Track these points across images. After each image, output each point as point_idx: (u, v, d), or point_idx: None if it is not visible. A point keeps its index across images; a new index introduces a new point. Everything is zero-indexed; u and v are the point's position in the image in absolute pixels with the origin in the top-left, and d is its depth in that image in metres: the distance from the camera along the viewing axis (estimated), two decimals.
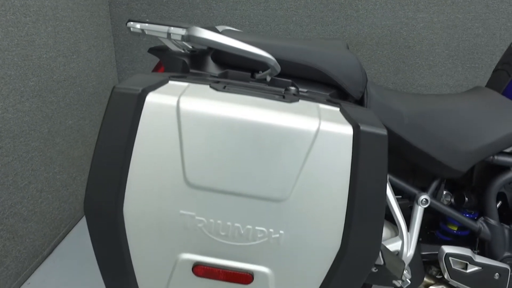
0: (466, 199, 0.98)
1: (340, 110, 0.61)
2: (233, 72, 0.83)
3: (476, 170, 0.99)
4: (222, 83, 0.67)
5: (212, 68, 0.86)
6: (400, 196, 1.07)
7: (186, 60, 0.85)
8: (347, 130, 0.54)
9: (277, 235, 0.57)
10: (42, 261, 1.59)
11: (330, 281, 0.60)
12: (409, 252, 0.88)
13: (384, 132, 0.53)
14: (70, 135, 1.76)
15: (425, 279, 1.01)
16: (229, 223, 0.57)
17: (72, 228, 1.84)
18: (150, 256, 0.61)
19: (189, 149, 0.54)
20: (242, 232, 0.57)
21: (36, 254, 1.55)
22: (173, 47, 0.87)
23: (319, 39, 0.93)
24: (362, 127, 0.53)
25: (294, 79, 0.84)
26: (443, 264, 0.94)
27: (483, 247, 0.99)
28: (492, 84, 1.03)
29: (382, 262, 0.80)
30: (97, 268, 1.54)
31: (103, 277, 0.64)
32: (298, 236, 0.57)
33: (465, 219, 0.95)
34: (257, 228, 0.57)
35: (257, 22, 2.26)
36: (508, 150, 0.92)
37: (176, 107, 0.53)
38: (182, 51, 0.87)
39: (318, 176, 0.55)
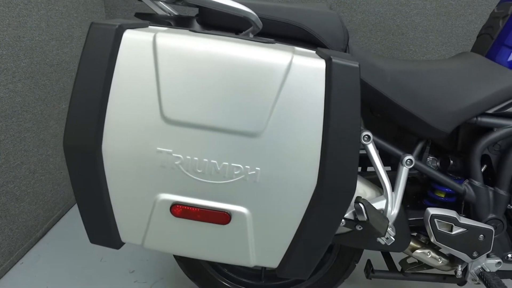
0: (451, 161, 0.99)
1: (316, 52, 0.63)
2: (216, 32, 0.85)
3: (461, 134, 1.00)
4: (207, 31, 0.68)
5: (198, 29, 0.88)
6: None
7: (172, 23, 0.87)
8: (320, 63, 0.55)
9: (254, 172, 0.59)
10: (36, 243, 1.60)
11: (308, 219, 0.62)
12: (393, 211, 0.89)
13: (355, 64, 0.55)
14: (64, 119, 1.78)
15: (411, 243, 1.01)
16: (205, 160, 0.58)
17: (67, 211, 1.85)
18: (129, 197, 0.62)
19: (166, 84, 0.56)
20: (219, 169, 0.59)
21: (29, 234, 1.56)
22: (160, 12, 0.88)
23: (302, 3, 0.95)
24: (334, 60, 0.55)
25: (276, 38, 0.85)
26: (429, 227, 0.94)
27: (469, 211, 1.00)
28: (477, 48, 1.04)
29: (365, 218, 0.81)
30: (90, 251, 1.54)
31: (85, 227, 0.66)
32: (275, 173, 0.59)
33: (449, 180, 0.96)
34: (233, 164, 0.58)
35: None
36: (491, 111, 0.93)
37: (152, 42, 0.55)
38: (169, 15, 0.89)
39: (292, 110, 0.56)
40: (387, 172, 0.96)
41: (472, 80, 0.91)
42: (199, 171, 0.59)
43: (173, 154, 0.59)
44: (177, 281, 1.43)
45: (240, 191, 0.60)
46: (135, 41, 0.55)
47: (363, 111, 0.95)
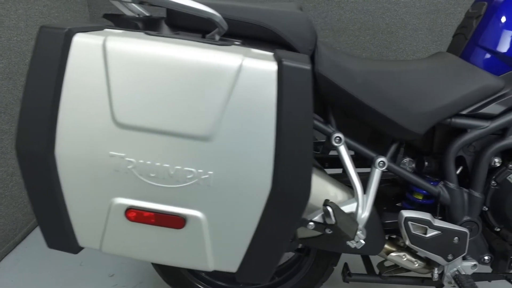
0: (426, 163, 1.00)
1: (273, 54, 0.63)
2: (184, 34, 0.85)
3: (437, 135, 1.01)
4: (162, 34, 0.69)
5: (166, 31, 0.88)
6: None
7: (139, 24, 0.87)
8: (271, 66, 0.55)
9: (207, 176, 0.59)
10: (14, 247, 1.61)
11: (265, 223, 0.62)
12: (363, 214, 0.89)
13: (307, 66, 0.55)
14: None
15: (386, 246, 1.02)
16: (158, 164, 0.59)
17: None
18: (85, 202, 0.63)
19: (116, 88, 0.56)
20: (172, 173, 0.59)
21: (7, 239, 1.56)
22: (128, 13, 0.89)
23: (272, 3, 0.95)
24: (285, 62, 0.55)
25: (244, 39, 0.86)
26: (403, 229, 0.95)
27: (445, 213, 1.00)
28: (452, 48, 1.05)
29: (333, 221, 0.82)
30: (70, 255, 1.54)
31: (42, 232, 0.66)
32: (228, 177, 0.59)
33: (423, 182, 0.97)
34: (186, 168, 0.59)
35: None
36: (465, 112, 0.93)
37: (102, 45, 0.55)
38: (137, 16, 0.89)
39: (244, 114, 0.57)
40: (364, 174, 0.97)
41: (445, 81, 0.91)
42: (152, 175, 0.60)
43: (126, 159, 0.59)
44: (157, 284, 1.43)
45: (194, 195, 0.60)
46: (85, 45, 0.56)
47: (335, 113, 0.95)
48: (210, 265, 0.66)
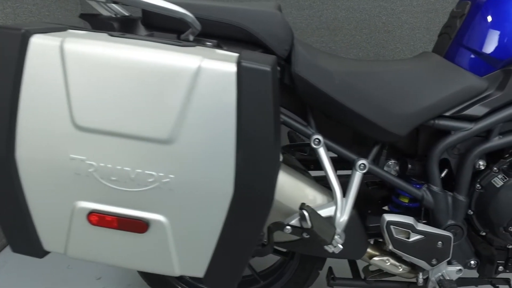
0: (409, 166, 0.99)
1: (239, 55, 0.62)
2: (159, 34, 0.84)
3: (421, 137, 1.00)
4: (128, 34, 0.68)
5: (142, 31, 0.88)
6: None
7: (116, 25, 0.87)
8: (231, 67, 0.55)
9: (168, 180, 0.59)
10: (2, 249, 1.61)
11: (229, 228, 0.61)
12: (342, 218, 0.88)
13: (267, 68, 0.54)
14: None
15: (370, 250, 1.01)
16: (119, 167, 0.59)
17: None
18: (48, 205, 0.63)
19: (75, 90, 0.56)
20: (133, 176, 0.59)
21: None
22: (105, 12, 0.89)
23: (251, 2, 0.95)
24: (244, 63, 0.54)
25: (220, 39, 0.85)
26: (385, 234, 0.94)
27: (429, 217, 0.99)
28: (437, 48, 1.03)
29: (309, 226, 0.81)
30: (57, 258, 1.54)
31: (5, 236, 0.66)
32: (190, 181, 0.59)
33: (406, 185, 0.95)
34: (147, 172, 0.58)
35: None
36: (448, 113, 0.91)
37: (59, 47, 0.55)
38: (114, 16, 0.89)
39: (205, 117, 0.56)
40: (348, 177, 0.96)
41: (428, 82, 0.90)
42: (113, 178, 0.59)
43: (87, 162, 0.59)
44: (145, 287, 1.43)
45: (156, 199, 0.60)
46: (42, 47, 0.56)
47: (316, 114, 0.95)
48: (176, 270, 0.65)
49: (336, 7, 2.24)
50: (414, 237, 0.94)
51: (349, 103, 0.87)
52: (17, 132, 0.58)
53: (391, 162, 1.03)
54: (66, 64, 0.55)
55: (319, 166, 1.18)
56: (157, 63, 0.55)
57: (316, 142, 0.91)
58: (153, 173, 0.58)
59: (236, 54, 0.63)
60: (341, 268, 1.19)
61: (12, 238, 0.65)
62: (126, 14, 0.91)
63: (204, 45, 0.75)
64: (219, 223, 0.61)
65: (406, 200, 1.05)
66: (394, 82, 0.88)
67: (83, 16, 0.91)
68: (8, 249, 1.61)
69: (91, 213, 0.61)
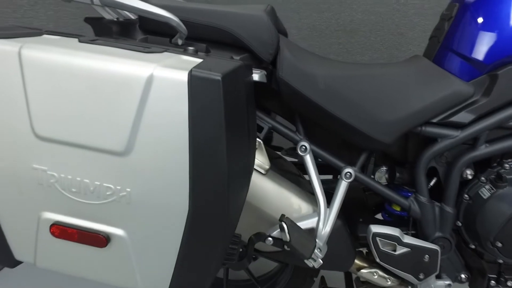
0: (397, 174, 0.90)
1: (200, 62, 0.56)
2: (153, 38, 0.81)
3: (410, 144, 0.90)
4: (99, 39, 0.64)
5: (138, 35, 0.85)
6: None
7: (114, 28, 0.84)
8: (182, 76, 0.49)
9: (125, 193, 0.54)
10: None
11: (188, 244, 0.57)
12: (324, 229, 0.81)
13: (217, 77, 0.48)
14: None
15: (358, 262, 0.93)
16: (78, 179, 0.55)
17: None
18: (15, 215, 0.60)
19: (33, 98, 0.53)
20: (92, 189, 0.55)
21: None
22: (107, 16, 0.86)
23: (242, 5, 0.88)
24: (193, 72, 0.49)
25: (210, 43, 0.80)
26: (371, 246, 0.86)
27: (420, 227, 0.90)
28: (427, 52, 0.93)
29: (288, 239, 0.75)
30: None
31: None
32: (146, 195, 0.54)
33: (393, 194, 0.87)
34: (105, 184, 0.55)
35: None
36: (435, 120, 0.82)
37: (18, 53, 0.52)
38: (116, 19, 0.86)
39: (158, 128, 0.51)
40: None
41: (414, 87, 0.80)
42: (73, 190, 0.56)
43: (48, 172, 0.56)
44: None
45: (115, 213, 0.56)
46: (1, 52, 0.52)
47: (304, 119, 0.88)
48: (139, 285, 0.61)
49: (353, 10, 2.13)
50: (401, 250, 0.85)
51: (333, 108, 0.79)
52: None
53: (383, 169, 0.94)
54: (24, 71, 0.52)
55: (319, 170, 1.10)
56: (110, 71, 0.50)
57: (302, 149, 0.84)
58: (111, 186, 0.54)
59: (199, 60, 0.57)
60: (335, 277, 1.12)
61: None
62: (133, 17, 0.88)
63: (186, 50, 0.69)
64: (177, 238, 0.56)
65: (398, 208, 0.96)
66: (379, 88, 0.80)
67: (87, 19, 0.89)
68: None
69: (53, 225, 0.58)
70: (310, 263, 0.79)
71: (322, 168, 0.93)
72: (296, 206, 0.85)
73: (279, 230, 0.78)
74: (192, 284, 0.60)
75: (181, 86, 0.49)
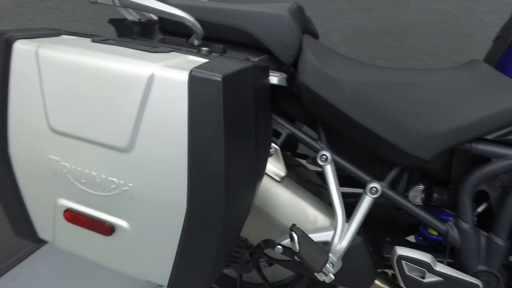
0: (435, 194, 0.84)
1: (207, 62, 0.58)
2: (170, 38, 0.85)
3: (454, 161, 0.84)
4: (112, 39, 0.69)
5: (158, 35, 0.89)
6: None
7: (135, 29, 0.90)
8: (182, 76, 0.51)
9: (127, 188, 0.58)
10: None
11: (185, 243, 0.59)
12: (340, 244, 0.79)
13: (217, 77, 0.49)
14: None
15: (378, 283, 0.89)
16: (87, 171, 0.60)
17: None
18: (36, 198, 0.67)
19: (48, 94, 0.59)
20: (98, 181, 0.60)
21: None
22: (130, 17, 0.92)
23: (265, 3, 0.88)
24: (193, 72, 0.51)
25: (228, 44, 0.81)
26: (396, 269, 0.82)
27: (455, 257, 0.84)
28: (489, 55, 0.85)
29: (297, 249, 0.74)
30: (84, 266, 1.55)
31: (9, 222, 0.72)
32: (146, 192, 0.58)
33: (427, 216, 0.81)
34: (109, 178, 0.59)
35: None
36: (490, 136, 0.74)
37: (35, 52, 0.58)
38: (138, 20, 0.92)
39: (159, 127, 0.54)
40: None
41: (466, 96, 0.73)
42: (83, 181, 0.61)
43: (61, 163, 0.61)
44: None
45: (119, 205, 0.60)
46: (22, 52, 0.59)
47: (325, 128, 0.86)
48: (142, 275, 0.65)
49: (407, 9, 2.03)
50: (431, 278, 0.80)
51: (360, 117, 0.75)
52: (8, 131, 0.63)
53: (419, 187, 0.89)
54: (41, 68, 0.58)
55: (345, 181, 1.08)
56: (114, 70, 0.54)
57: (323, 159, 0.83)
58: (115, 180, 0.59)
59: (205, 60, 0.59)
60: None
61: (13, 223, 0.72)
62: (154, 18, 0.93)
63: (200, 50, 0.72)
64: (176, 236, 0.59)
65: (435, 233, 0.91)
66: (419, 95, 0.74)
67: (111, 21, 0.96)
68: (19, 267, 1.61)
69: (66, 211, 0.64)
70: (320, 276, 0.78)
71: (351, 180, 0.90)
72: (311, 217, 0.83)
73: (289, 239, 0.78)
74: (189, 281, 0.62)
75: (181, 86, 0.51)
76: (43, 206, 0.67)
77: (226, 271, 1.21)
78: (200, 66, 0.52)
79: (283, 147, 0.86)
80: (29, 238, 0.72)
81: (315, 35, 1.00)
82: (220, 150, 0.52)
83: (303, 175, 0.99)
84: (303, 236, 0.75)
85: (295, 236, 0.74)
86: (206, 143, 0.52)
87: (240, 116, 0.56)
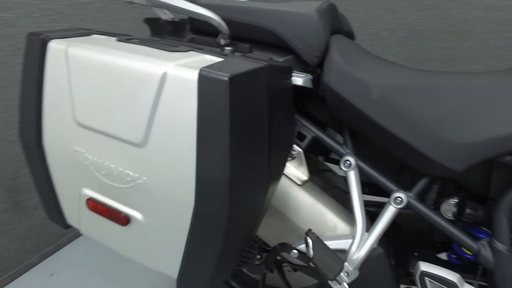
0: (468, 210, 0.79)
1: (219, 61, 0.60)
2: (200, 37, 0.89)
3: (494, 174, 0.78)
4: (137, 38, 0.74)
5: (188, 35, 0.94)
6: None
7: (167, 28, 0.96)
8: (192, 74, 0.54)
9: (141, 181, 0.63)
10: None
11: (193, 238, 0.62)
12: (357, 254, 0.77)
13: (224, 77, 0.51)
14: None
15: None
16: (107, 163, 0.66)
17: None
18: (65, 187, 0.75)
19: (75, 90, 0.65)
20: (116, 173, 0.65)
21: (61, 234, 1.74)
22: (164, 16, 0.99)
23: (294, 2, 0.89)
24: (202, 71, 0.53)
25: (255, 43, 0.84)
26: (418, 285, 0.79)
27: (492, 279, 0.78)
28: None
29: (311, 255, 0.74)
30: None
31: (43, 207, 0.81)
32: (158, 187, 0.62)
33: (456, 232, 0.77)
34: (125, 171, 0.64)
35: (342, 9, 2.19)
36: None
37: (65, 50, 0.65)
38: (171, 20, 0.98)
39: (170, 124, 0.57)
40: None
41: (509, 103, 0.67)
42: (103, 172, 0.67)
43: (85, 155, 0.68)
44: None
45: (134, 197, 0.65)
46: (55, 51, 0.66)
47: (352, 132, 0.85)
48: (154, 265, 0.69)
49: (468, 6, 1.91)
50: None
51: (387, 123, 0.73)
52: (43, 124, 0.71)
53: (452, 201, 0.85)
54: (69, 66, 0.65)
55: (375, 190, 1.05)
56: (131, 68, 0.58)
57: (346, 164, 0.82)
58: (131, 173, 0.63)
59: (220, 59, 0.62)
60: None
61: (46, 209, 0.80)
62: (186, 17, 0.99)
63: (223, 49, 0.75)
64: (184, 231, 0.62)
65: (470, 252, 0.86)
66: (452, 100, 0.69)
67: (146, 20, 1.03)
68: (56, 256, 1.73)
69: (89, 200, 0.70)
70: (334, 284, 0.77)
71: (380, 188, 0.88)
72: (330, 224, 0.83)
73: (304, 244, 0.78)
74: (195, 276, 0.66)
75: (190, 85, 0.54)
76: (70, 194, 0.74)
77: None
78: (210, 66, 0.55)
79: (309, 150, 0.87)
80: (59, 223, 0.81)
81: (350, 35, 0.98)
82: (225, 150, 0.54)
83: (329, 181, 0.98)
84: (318, 242, 0.75)
85: (309, 241, 0.75)
86: (213, 143, 0.54)
87: (249, 116, 0.58)
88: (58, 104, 0.68)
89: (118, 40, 0.69)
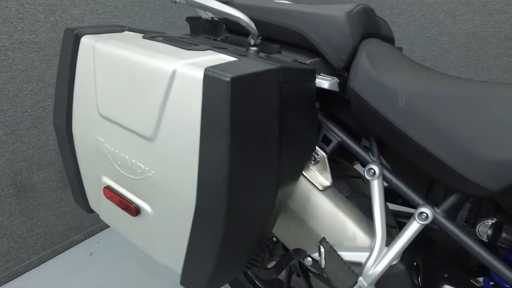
0: (504, 234, 0.72)
1: (231, 61, 0.61)
2: (233, 37, 0.91)
3: None
4: (163, 36, 0.77)
5: (223, 34, 0.97)
6: None
7: (205, 27, 1.00)
8: (199, 73, 0.55)
9: (150, 175, 0.66)
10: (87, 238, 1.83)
11: (194, 237, 0.64)
12: (374, 269, 0.74)
13: (226, 78, 0.52)
14: None
15: None
16: (122, 154, 0.70)
17: None
18: (89, 173, 0.80)
19: (99, 82, 0.70)
20: (129, 164, 0.69)
21: (82, 227, 1.79)
22: (204, 15, 1.03)
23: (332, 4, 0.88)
24: (206, 71, 0.54)
25: (285, 44, 0.84)
26: None
27: None
28: None
29: (323, 265, 0.73)
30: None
31: (71, 190, 0.88)
32: (164, 181, 0.64)
33: (487, 256, 0.71)
34: (137, 163, 0.67)
35: (399, 12, 2.11)
36: None
37: (93, 46, 0.70)
38: (210, 19, 1.02)
39: (177, 121, 0.59)
40: None
41: None
42: (119, 162, 0.71)
43: (104, 144, 0.72)
44: None
45: (144, 190, 0.68)
46: (85, 45, 0.71)
47: (379, 139, 0.81)
48: (160, 258, 0.72)
49: None
50: None
51: (413, 133, 0.69)
52: (73, 112, 0.77)
53: (488, 222, 0.78)
54: (95, 60, 0.70)
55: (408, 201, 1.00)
56: (145, 64, 0.62)
57: (370, 173, 0.79)
58: (142, 165, 0.67)
59: (234, 59, 0.63)
60: None
61: (73, 192, 0.87)
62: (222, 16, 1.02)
63: (248, 49, 0.76)
64: (187, 226, 0.64)
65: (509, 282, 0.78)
66: (487, 113, 0.65)
67: (188, 18, 1.07)
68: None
69: (106, 187, 0.75)
70: None
71: None
72: (350, 234, 0.80)
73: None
74: (196, 274, 0.67)
75: (196, 84, 0.56)
76: (93, 180, 0.80)
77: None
78: (217, 66, 0.56)
79: (341, 155, 0.84)
80: (83, 207, 0.87)
81: (388, 40, 0.95)
82: (225, 150, 0.54)
83: (357, 188, 0.95)
84: (331, 252, 0.73)
85: (322, 250, 0.73)
86: (214, 142, 0.55)
87: (255, 117, 0.58)
88: (85, 95, 0.73)
89: (144, 37, 0.73)
